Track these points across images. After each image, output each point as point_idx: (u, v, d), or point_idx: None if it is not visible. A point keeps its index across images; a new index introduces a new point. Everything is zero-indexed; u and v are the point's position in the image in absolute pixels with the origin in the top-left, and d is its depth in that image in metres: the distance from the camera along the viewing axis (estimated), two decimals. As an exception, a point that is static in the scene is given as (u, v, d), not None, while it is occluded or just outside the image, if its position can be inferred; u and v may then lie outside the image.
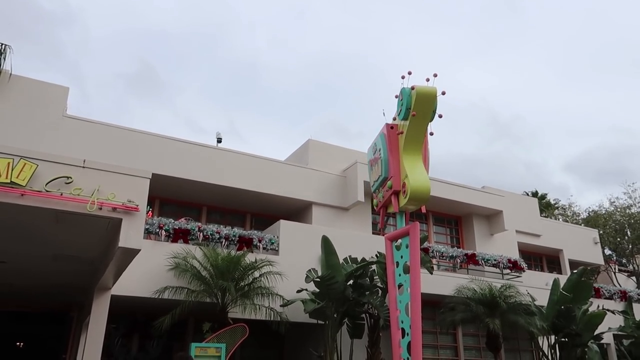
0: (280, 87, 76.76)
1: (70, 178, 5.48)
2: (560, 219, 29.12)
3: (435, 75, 7.34)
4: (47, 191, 5.30)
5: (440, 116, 7.37)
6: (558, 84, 72.54)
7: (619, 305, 16.91)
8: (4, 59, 11.22)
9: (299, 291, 10.74)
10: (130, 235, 5.64)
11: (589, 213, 27.77)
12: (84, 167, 5.64)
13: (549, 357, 12.43)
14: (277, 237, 11.95)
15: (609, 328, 13.61)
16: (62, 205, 5.36)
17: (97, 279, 7.67)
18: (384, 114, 8.12)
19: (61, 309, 12.08)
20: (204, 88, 77.72)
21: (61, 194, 5.35)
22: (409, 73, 7.35)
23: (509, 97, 75.44)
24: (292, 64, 74.97)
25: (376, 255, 11.60)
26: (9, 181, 5.14)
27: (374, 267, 11.46)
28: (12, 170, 5.17)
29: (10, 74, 11.23)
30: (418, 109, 7.33)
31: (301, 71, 79.70)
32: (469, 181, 14.71)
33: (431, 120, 7.46)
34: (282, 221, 12.43)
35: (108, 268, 6.67)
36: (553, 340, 12.66)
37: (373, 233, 14.76)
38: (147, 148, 12.33)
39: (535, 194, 31.07)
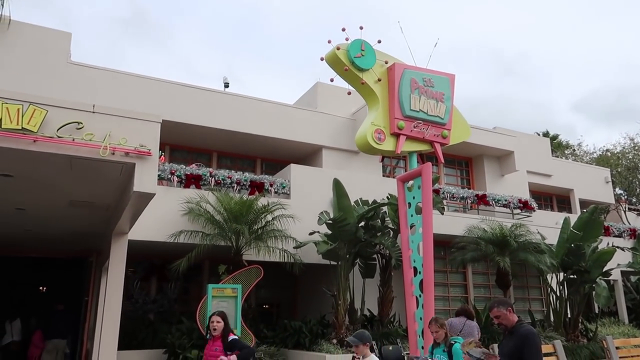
0: (283, 32, 74.71)
1: (81, 123, 5.42)
2: (571, 159, 28.91)
3: (347, 39, 8.05)
4: (58, 137, 5.27)
5: (346, 69, 8.16)
6: (565, 20, 69.89)
7: (628, 243, 17.06)
8: (2, 4, 10.89)
9: (311, 233, 10.89)
10: (144, 179, 5.65)
11: (602, 152, 27.49)
12: (93, 112, 5.57)
13: (557, 293, 12.69)
14: (288, 181, 11.99)
15: (618, 265, 13.78)
16: (74, 151, 5.34)
17: (113, 224, 7.80)
18: (401, 29, 8.74)
19: (80, 254, 12.40)
20: (202, 33, 75.81)
21: (73, 140, 5.32)
22: (329, 42, 8.05)
23: (513, 35, 73.05)
24: (296, 6, 72.49)
25: (387, 197, 11.66)
26: (20, 127, 5.10)
27: (385, 208, 11.56)
28: (23, 116, 5.12)
29: (10, 19, 10.94)
30: (337, 71, 8.22)
31: (304, 13, 77.20)
32: (474, 123, 14.39)
33: (363, 70, 8.19)
34: (292, 165, 12.43)
35: (124, 213, 6.75)
36: (562, 277, 12.88)
37: (383, 176, 14.77)
38: (155, 94, 12.19)
39: (546, 134, 30.71)
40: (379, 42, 8.50)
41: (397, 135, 8.43)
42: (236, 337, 6.13)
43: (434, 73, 8.81)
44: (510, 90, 68.84)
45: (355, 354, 5.53)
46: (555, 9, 69.79)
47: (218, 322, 6.00)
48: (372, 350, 5.74)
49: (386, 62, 8.72)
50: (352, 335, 5.60)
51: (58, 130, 5.29)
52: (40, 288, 17.80)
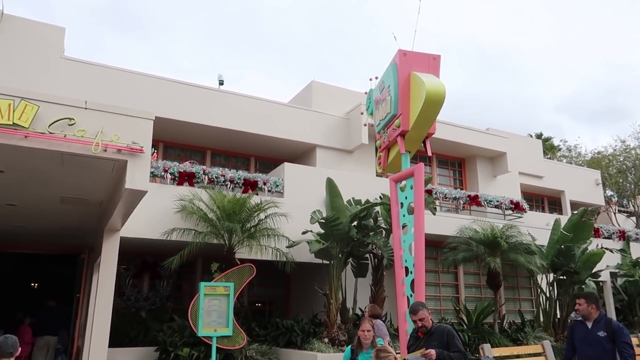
0: (274, 29, 74.54)
1: (73, 120, 5.41)
2: (564, 161, 29.11)
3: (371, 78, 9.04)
4: (50, 133, 5.26)
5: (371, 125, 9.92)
6: (549, 19, 70.23)
7: (617, 245, 17.20)
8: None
9: (304, 232, 10.91)
10: (136, 176, 5.64)
11: (593, 154, 27.69)
12: (86, 108, 5.56)
13: (547, 293, 12.78)
14: (282, 179, 12.00)
15: (607, 266, 13.90)
16: (66, 147, 5.33)
17: (105, 221, 7.79)
18: (395, 37, 8.62)
19: (73, 250, 12.37)
20: (188, 28, 75.24)
21: (65, 136, 5.31)
22: (370, 79, 9.11)
23: (497, 34, 73.40)
24: (289, 4, 72.37)
25: (380, 197, 11.70)
26: (11, 123, 5.09)
27: (377, 208, 11.59)
28: (14, 111, 5.11)
29: (2, 12, 10.87)
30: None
31: (297, 12, 77.08)
32: (462, 122, 14.40)
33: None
34: (286, 164, 12.44)
35: (116, 210, 6.74)
36: (552, 278, 12.98)
37: (377, 175, 14.80)
38: (149, 90, 12.16)
39: (539, 136, 30.92)
40: (370, 80, 9.17)
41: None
42: None
43: (384, 72, 8.75)
44: (494, 88, 69.25)
45: None
46: (537, 6, 70.06)
47: None
48: None
49: None
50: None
51: (50, 126, 5.28)
52: (32, 284, 17.71)
